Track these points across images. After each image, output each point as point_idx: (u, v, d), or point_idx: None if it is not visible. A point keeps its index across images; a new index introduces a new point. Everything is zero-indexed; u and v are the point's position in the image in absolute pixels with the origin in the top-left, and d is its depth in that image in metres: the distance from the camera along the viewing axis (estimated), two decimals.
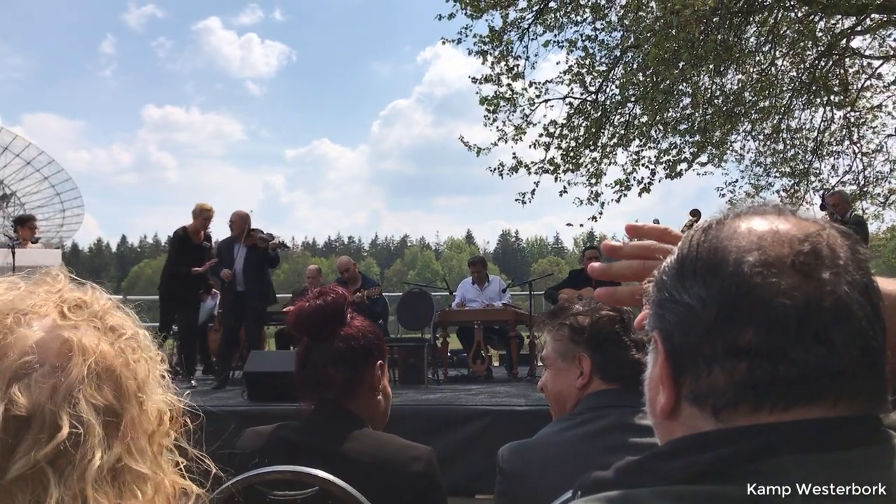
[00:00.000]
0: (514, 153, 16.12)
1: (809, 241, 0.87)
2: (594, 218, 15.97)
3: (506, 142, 15.68)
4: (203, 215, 10.08)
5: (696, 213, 9.75)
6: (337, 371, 2.34)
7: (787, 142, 17.32)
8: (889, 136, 16.97)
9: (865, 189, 17.05)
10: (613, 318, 2.22)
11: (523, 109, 15.67)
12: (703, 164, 16.50)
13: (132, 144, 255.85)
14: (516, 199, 15.71)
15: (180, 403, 1.09)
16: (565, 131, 15.89)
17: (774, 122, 16.87)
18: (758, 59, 15.80)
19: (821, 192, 15.60)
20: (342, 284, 9.88)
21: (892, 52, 15.88)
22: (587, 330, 2.23)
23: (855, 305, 0.85)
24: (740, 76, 16.07)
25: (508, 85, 15.36)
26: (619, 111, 15.88)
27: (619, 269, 1.16)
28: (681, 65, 14.05)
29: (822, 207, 10.24)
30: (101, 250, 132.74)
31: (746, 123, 16.86)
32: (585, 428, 2.14)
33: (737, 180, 17.82)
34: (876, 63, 16.04)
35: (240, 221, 10.02)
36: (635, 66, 15.19)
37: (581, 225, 21.01)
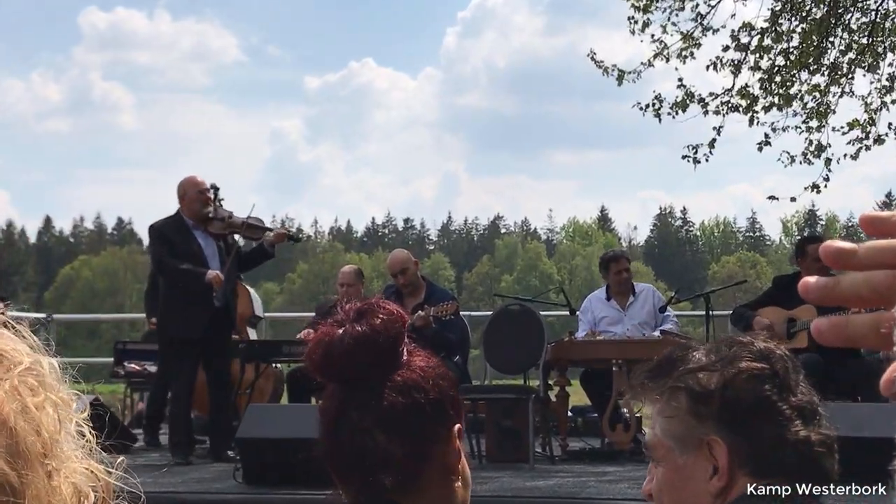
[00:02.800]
0: (679, 79, 13.84)
1: None
2: (815, 187, 13.52)
3: (667, 60, 13.73)
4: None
5: None
6: (390, 441, 2.00)
7: None
8: None
9: None
10: (761, 374, 1.98)
11: (696, 6, 13.56)
12: None
13: (63, 71, 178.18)
14: (684, 157, 13.68)
15: (110, 480, 0.96)
16: (768, 40, 13.61)
17: None
18: None
19: None
20: (395, 297, 9.46)
21: None
22: (718, 395, 1.97)
23: None
24: None
25: None
26: (860, 6, 13.52)
27: (852, 286, 0.94)
28: None
29: None
30: (11, 240, 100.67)
31: None
32: None
33: None
34: None
35: (194, 192, 9.54)
36: None
37: (793, 199, 14.91)
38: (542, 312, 10.74)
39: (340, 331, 1.97)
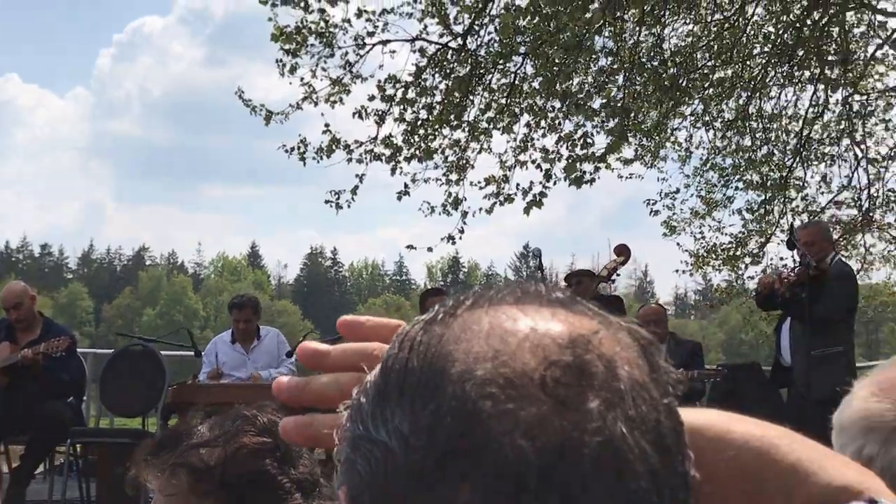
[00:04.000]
0: (326, 124, 13.87)
1: (575, 348, 0.78)
2: (451, 238, 13.77)
3: (315, 104, 13.65)
4: None
5: (623, 252, 9.00)
6: None
7: (758, 134, 15.56)
8: None
9: (871, 215, 15.27)
10: (262, 448, 1.98)
11: (345, 53, 13.65)
12: (626, 162, 14.70)
13: None
14: (327, 202, 13.63)
15: None
16: (412, 94, 13.79)
17: (739, 102, 15.32)
18: (720, 1, 14.33)
19: (803, 214, 15.11)
20: (7, 333, 9.32)
21: None
22: (219, 471, 1.96)
23: (634, 455, 0.76)
24: (690, 26, 14.56)
25: (321, 11, 13.25)
26: (500, 68, 13.84)
27: (322, 386, 1.00)
28: (593, 6, 12.27)
29: (790, 246, 8.82)
30: None
31: (696, 102, 15.23)
32: None
33: (678, 189, 15.96)
34: (894, 22, 14.44)
35: None
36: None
37: (430, 249, 15.23)
38: (165, 353, 10.57)
39: None
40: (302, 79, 13.41)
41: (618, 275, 9.15)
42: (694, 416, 1.01)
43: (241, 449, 1.98)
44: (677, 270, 15.69)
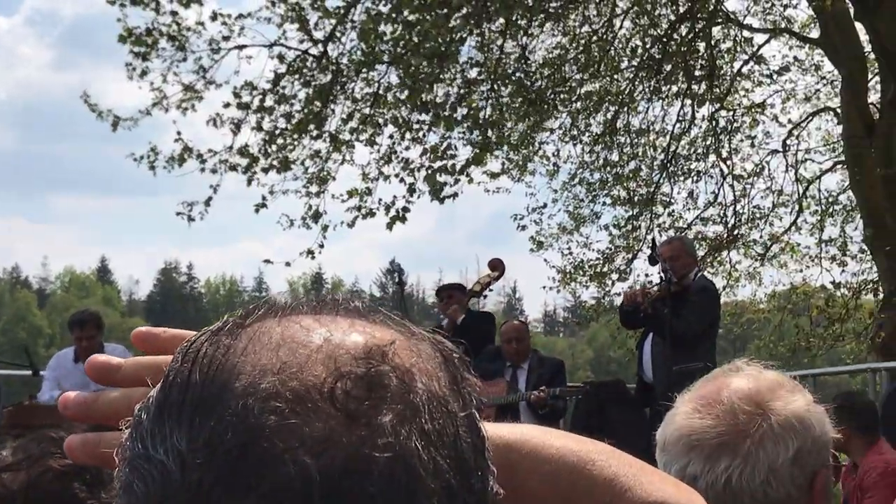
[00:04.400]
0: (178, 132, 13.75)
1: (369, 360, 0.77)
2: (310, 253, 13.63)
3: (166, 110, 13.76)
4: None
5: (498, 267, 9.26)
6: None
7: (626, 149, 15.80)
8: (774, 151, 15.81)
9: (737, 232, 15.64)
10: (69, 472, 1.91)
11: (199, 58, 13.76)
12: (493, 176, 14.84)
13: None
14: (178, 214, 13.54)
15: None
16: (270, 102, 13.87)
17: (607, 116, 15.49)
18: (588, 13, 14.61)
19: (669, 230, 15.34)
20: None
21: (781, 24, 15.10)
22: (22, 497, 1.92)
23: (428, 471, 0.75)
24: (558, 38, 14.78)
25: (174, 13, 13.35)
26: (363, 76, 14.04)
27: (112, 402, 0.97)
28: (457, 15, 12.46)
29: (652, 261, 8.78)
30: None
31: (564, 116, 15.36)
32: None
33: (545, 205, 16.28)
34: (759, 38, 15.13)
35: None
36: (385, 6, 13.29)
37: (288, 264, 14.79)
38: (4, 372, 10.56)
39: None
40: (152, 84, 13.24)
41: (491, 290, 9.22)
42: (508, 431, 1.02)
43: (46, 472, 1.91)
44: (545, 287, 15.92)
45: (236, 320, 0.83)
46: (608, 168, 15.92)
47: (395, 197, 13.51)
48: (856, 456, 6.41)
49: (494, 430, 0.98)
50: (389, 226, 13.18)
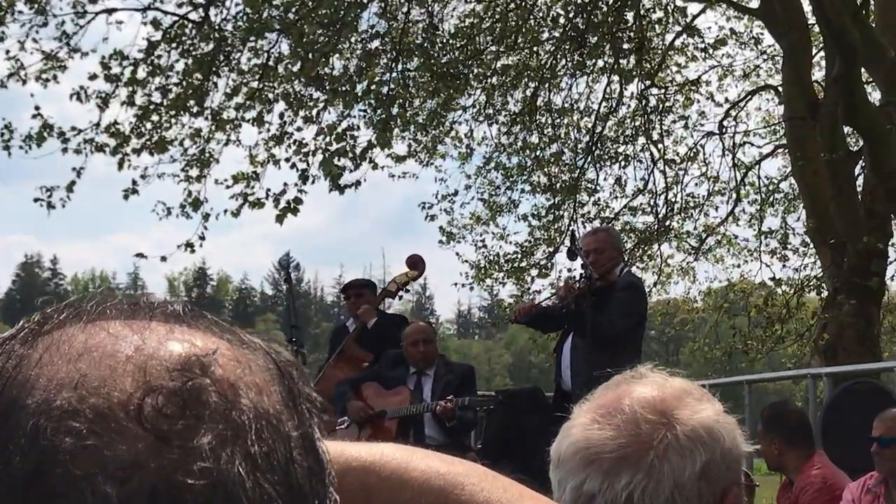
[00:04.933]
0: (36, 107, 13.59)
1: (185, 372, 0.76)
2: (190, 246, 13.54)
3: (23, 82, 13.67)
4: None
5: (417, 265, 9.38)
6: None
7: (547, 130, 15.91)
8: (710, 134, 16.02)
9: (668, 223, 15.88)
10: None
11: (62, 23, 13.60)
12: (399, 159, 14.73)
13: None
14: (37, 200, 13.42)
15: None
16: (143, 73, 13.88)
17: (526, 93, 15.63)
18: None
19: (595, 220, 15.55)
20: None
21: None
22: None
23: (252, 500, 0.74)
24: (472, 6, 15.00)
25: None
26: (251, 46, 14.01)
27: None
28: None
29: (571, 255, 8.82)
30: None
31: (477, 92, 15.45)
32: None
33: (457, 192, 16.40)
34: (694, 8, 15.25)
35: None
36: None
37: (164, 259, 14.60)
38: None
39: None
40: (8, 52, 13.02)
41: (407, 290, 9.28)
42: (366, 452, 1.04)
43: None
44: (456, 284, 16.01)
45: (32, 326, 0.81)
46: (527, 151, 16.06)
47: (285, 185, 13.54)
48: (791, 472, 6.46)
49: (349, 451, 1.03)
50: (279, 219, 13.18)
